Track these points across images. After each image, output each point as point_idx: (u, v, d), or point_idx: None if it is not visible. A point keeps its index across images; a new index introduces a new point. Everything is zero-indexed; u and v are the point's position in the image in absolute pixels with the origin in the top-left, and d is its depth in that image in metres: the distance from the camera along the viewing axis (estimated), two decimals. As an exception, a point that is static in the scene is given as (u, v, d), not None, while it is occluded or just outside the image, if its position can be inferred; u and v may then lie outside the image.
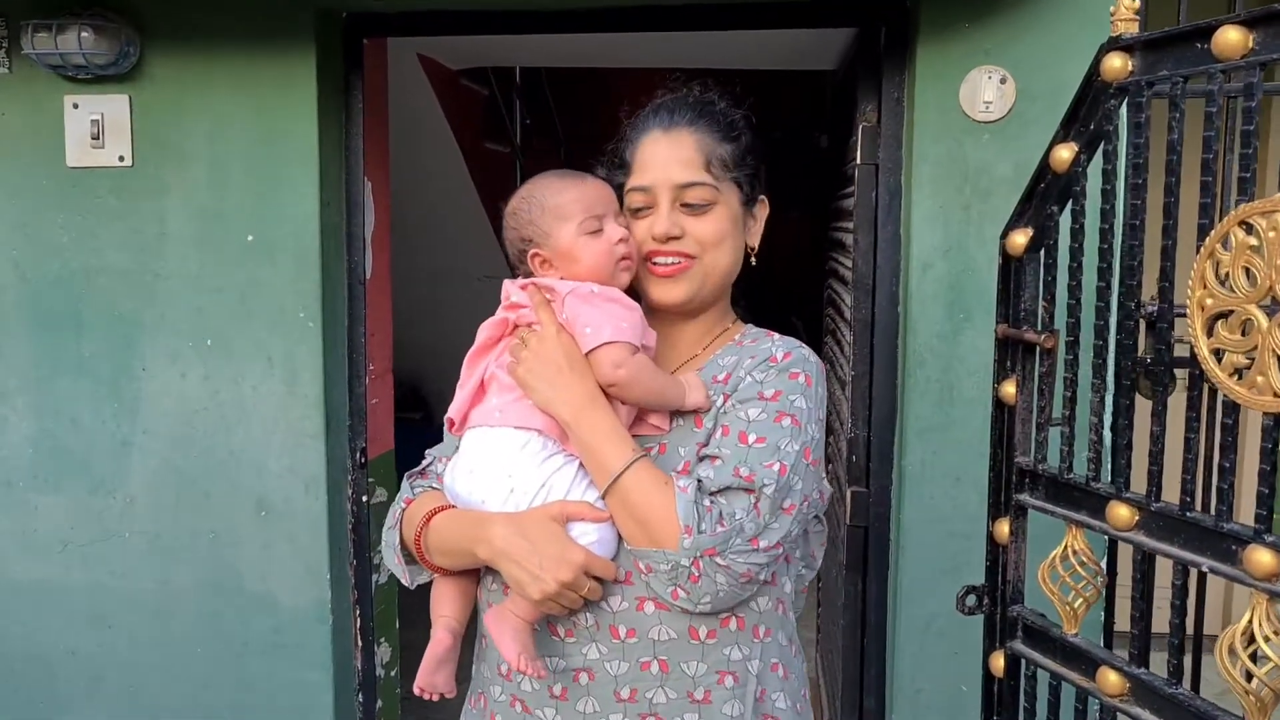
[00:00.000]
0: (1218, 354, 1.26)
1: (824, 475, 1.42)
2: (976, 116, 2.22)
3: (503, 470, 1.34)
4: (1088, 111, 1.51)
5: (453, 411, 1.44)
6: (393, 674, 2.89)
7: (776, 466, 1.29)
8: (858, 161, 2.40)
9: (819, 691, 3.23)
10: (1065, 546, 1.57)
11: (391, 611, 2.88)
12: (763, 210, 1.50)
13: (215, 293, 2.51)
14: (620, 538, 1.31)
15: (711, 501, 1.27)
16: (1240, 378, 1.24)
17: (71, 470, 2.60)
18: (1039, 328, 1.62)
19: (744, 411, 1.33)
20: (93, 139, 2.49)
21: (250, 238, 2.49)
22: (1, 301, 2.57)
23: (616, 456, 1.30)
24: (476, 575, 1.44)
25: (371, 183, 2.65)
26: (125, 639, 2.64)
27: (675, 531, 1.24)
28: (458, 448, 1.42)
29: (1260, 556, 1.17)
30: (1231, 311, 1.23)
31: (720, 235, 1.41)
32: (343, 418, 2.61)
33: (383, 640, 2.80)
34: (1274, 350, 1.18)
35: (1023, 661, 1.69)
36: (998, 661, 1.74)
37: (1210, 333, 1.25)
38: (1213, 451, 1.85)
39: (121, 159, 2.50)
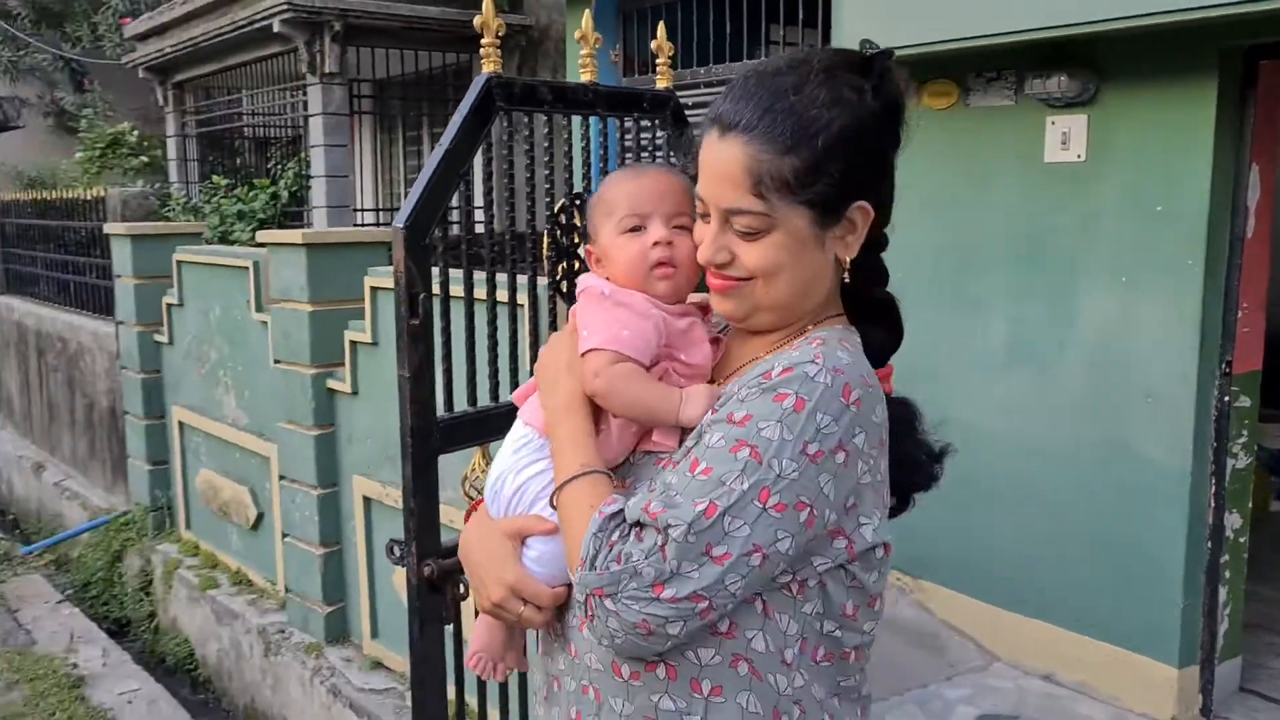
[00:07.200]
0: None
1: (840, 524, 1.17)
2: None
3: (496, 466, 1.35)
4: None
5: (515, 394, 1.46)
6: (1241, 540, 3.79)
7: (704, 505, 1.10)
8: None
9: None
10: None
11: (1245, 490, 3.78)
12: (864, 217, 1.23)
13: (1131, 246, 3.71)
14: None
15: (620, 536, 1.13)
16: None
17: (1028, 360, 4.06)
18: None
19: (710, 435, 1.16)
20: (1061, 145, 3.86)
21: (1159, 208, 3.62)
22: (992, 253, 4.11)
23: (568, 466, 1.23)
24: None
25: (1258, 166, 3.56)
26: (1039, 464, 4.03)
27: (578, 560, 1.15)
28: None
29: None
30: None
31: (773, 265, 1.21)
32: (1215, 338, 3.60)
33: (1234, 509, 3.73)
34: None
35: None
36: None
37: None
38: None
39: (1079, 157, 3.82)
